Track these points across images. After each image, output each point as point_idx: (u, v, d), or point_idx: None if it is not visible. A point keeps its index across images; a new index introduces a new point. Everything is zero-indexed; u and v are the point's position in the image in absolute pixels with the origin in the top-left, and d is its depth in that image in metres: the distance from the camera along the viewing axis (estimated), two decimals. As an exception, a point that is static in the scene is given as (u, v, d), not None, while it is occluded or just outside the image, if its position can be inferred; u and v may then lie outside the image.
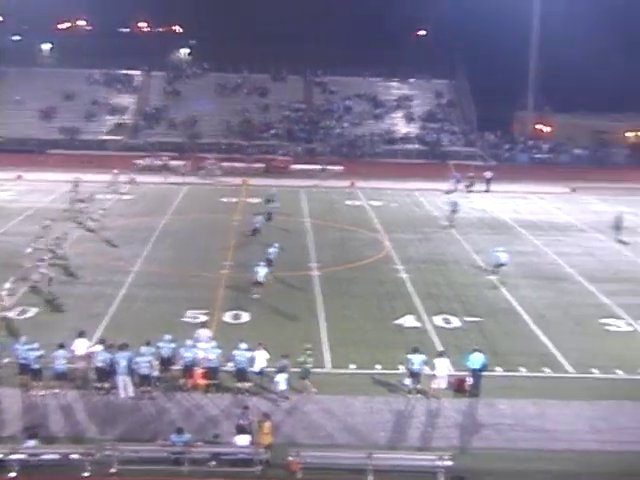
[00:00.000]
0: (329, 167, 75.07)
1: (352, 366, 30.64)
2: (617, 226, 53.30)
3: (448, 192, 67.88)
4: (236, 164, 75.85)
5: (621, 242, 51.85)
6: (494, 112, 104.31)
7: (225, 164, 74.35)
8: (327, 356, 31.51)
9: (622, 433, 25.91)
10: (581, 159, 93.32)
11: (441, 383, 28.32)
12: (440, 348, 31.12)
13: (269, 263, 40.24)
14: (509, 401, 27.98)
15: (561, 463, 24.15)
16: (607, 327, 35.92)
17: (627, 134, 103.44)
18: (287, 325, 34.87)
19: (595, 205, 66.27)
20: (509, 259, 43.24)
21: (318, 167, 75.18)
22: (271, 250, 41.85)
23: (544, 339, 34.17)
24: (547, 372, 30.74)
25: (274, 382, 27.85)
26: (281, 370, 27.94)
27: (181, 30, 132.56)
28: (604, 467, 23.89)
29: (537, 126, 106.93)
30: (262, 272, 38.20)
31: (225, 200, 62.36)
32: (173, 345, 28.99)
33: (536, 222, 58.12)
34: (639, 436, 25.75)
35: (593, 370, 30.94)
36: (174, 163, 74.45)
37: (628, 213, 59.71)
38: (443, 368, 28.45)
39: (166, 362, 28.77)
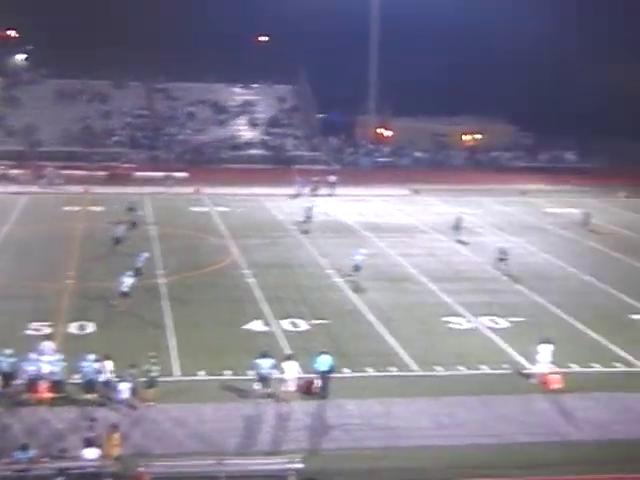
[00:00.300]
0: (174, 174, 74.47)
1: (201, 373, 30.52)
2: (457, 227, 55.01)
3: (294, 197, 68.49)
4: (78, 172, 74.32)
5: (460, 242, 53.50)
6: (337, 116, 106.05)
7: (66, 172, 72.72)
8: (176, 364, 31.29)
9: (464, 427, 26.73)
10: (421, 162, 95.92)
11: (290, 386, 28.55)
12: (288, 351, 31.36)
13: (137, 272, 39.80)
14: (357, 401, 28.43)
15: (407, 460, 24.69)
16: (449, 325, 37.00)
17: (464, 137, 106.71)
18: (134, 334, 34.41)
19: (436, 206, 68.11)
20: (361, 261, 43.93)
21: (162, 174, 74.48)
22: (139, 259, 41.44)
23: (390, 339, 34.90)
24: (393, 371, 31.39)
25: (117, 391, 27.48)
26: (124, 379, 27.60)
27: (17, 35, 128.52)
28: (448, 461, 24.57)
29: (379, 130, 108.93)
30: (128, 282, 37.57)
31: (67, 209, 61.02)
32: (13, 359, 28.16)
33: (380, 224, 59.32)
34: (481, 430, 26.63)
35: (437, 367, 31.81)
36: (14, 172, 72.35)
37: (467, 214, 61.74)
38: (292, 371, 28.68)
39: (7, 377, 27.94)
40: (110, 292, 38.03)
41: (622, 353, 33.61)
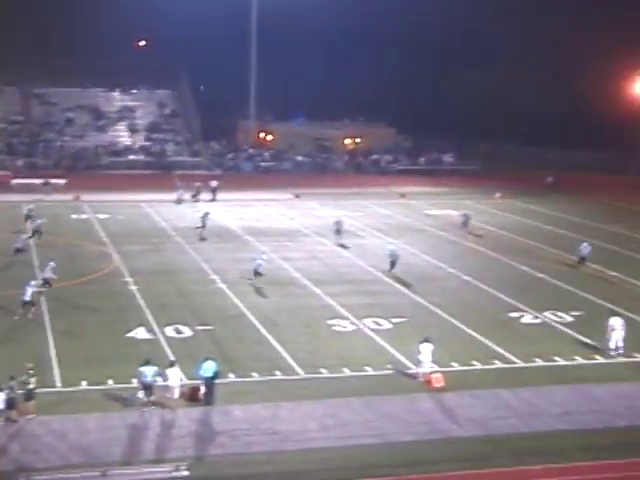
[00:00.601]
0: (52, 181, 72.94)
1: (84, 383, 29.98)
2: (338, 230, 55.52)
3: (178, 202, 68.01)
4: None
5: (342, 246, 53.99)
6: (218, 121, 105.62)
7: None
8: (57, 375, 30.66)
9: (348, 428, 27.00)
10: (303, 166, 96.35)
11: (174, 393, 28.34)
12: (172, 358, 31.11)
13: (45, 282, 39.13)
14: (243, 407, 28.39)
15: (294, 463, 24.81)
16: (334, 328, 37.31)
17: (346, 141, 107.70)
18: (14, 345, 33.56)
19: (317, 210, 68.57)
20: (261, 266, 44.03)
21: (41, 181, 72.86)
22: (46, 268, 40.79)
23: (275, 343, 34.98)
24: (279, 375, 31.47)
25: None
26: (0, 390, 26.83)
27: None
28: (334, 463, 24.79)
29: (260, 134, 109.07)
30: (30, 291, 36.71)
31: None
32: None
33: (262, 229, 59.40)
34: (365, 430, 26.94)
35: (322, 370, 32.04)
36: None
37: (348, 217, 62.40)
38: (175, 378, 28.48)
39: None
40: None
41: (500, 350, 34.50)
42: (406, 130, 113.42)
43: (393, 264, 47.02)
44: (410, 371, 31.79)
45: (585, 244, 50.17)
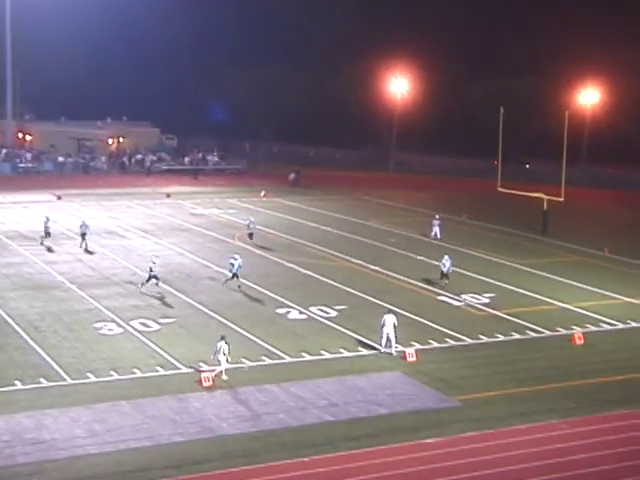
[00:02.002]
0: None
1: None
2: (83, 234, 52.65)
3: None
4: None
5: (88, 252, 51.92)
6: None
7: None
8: None
9: (118, 433, 26.58)
10: (65, 167, 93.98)
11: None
12: None
13: None
14: (4, 417, 27.33)
15: (63, 472, 24.11)
16: (100, 331, 36.61)
17: (109, 140, 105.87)
18: None
19: (81, 211, 66.99)
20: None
21: None
22: None
23: (39, 349, 33.94)
24: (44, 382, 30.54)
25: None
26: None
27: None
28: (103, 469, 24.30)
29: (19, 135, 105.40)
30: None
31: None
32: None
33: (23, 232, 57.37)
34: (135, 434, 26.58)
35: (89, 375, 31.37)
36: None
37: (112, 218, 61.44)
38: None
39: None
40: None
41: (269, 347, 35.03)
42: (170, 130, 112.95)
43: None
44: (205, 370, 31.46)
45: (446, 257, 46.21)
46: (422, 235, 60.16)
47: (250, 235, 56.18)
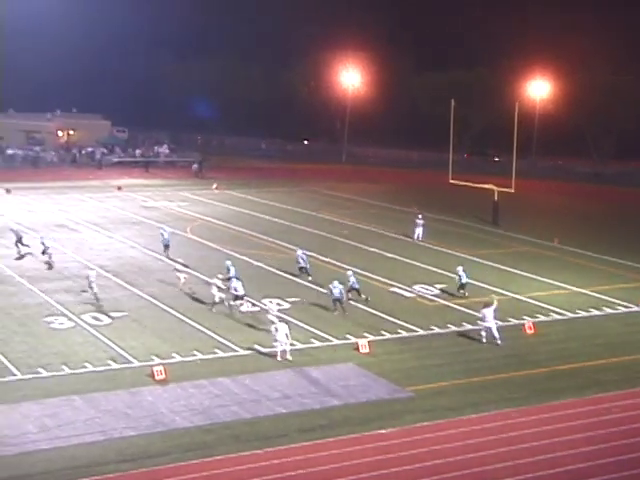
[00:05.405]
0: None
1: None
2: (19, 240, 49.31)
3: None
4: None
5: (22, 256, 49.00)
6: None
7: None
8: None
9: (70, 427, 26.34)
10: (15, 159, 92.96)
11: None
12: None
13: None
14: (-46, 413, 27.05)
15: (13, 468, 23.85)
16: (51, 325, 36.28)
17: (59, 133, 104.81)
18: None
19: (31, 205, 66.28)
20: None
21: None
22: None
23: (-12, 345, 33.58)
24: (-7, 378, 30.25)
25: None
26: None
27: None
28: (56, 464, 24.09)
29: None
30: None
31: None
32: None
33: (-29, 226, 56.60)
34: (87, 428, 26.34)
35: (40, 370, 31.05)
36: None
37: (62, 211, 60.87)
38: None
39: None
40: None
41: (221, 339, 34.95)
42: (121, 122, 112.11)
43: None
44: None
45: (460, 268, 43.30)
46: (404, 235, 57.68)
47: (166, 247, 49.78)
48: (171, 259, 47.71)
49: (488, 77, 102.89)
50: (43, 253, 46.79)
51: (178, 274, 42.69)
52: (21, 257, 48.36)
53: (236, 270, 41.81)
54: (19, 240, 49.19)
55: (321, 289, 41.42)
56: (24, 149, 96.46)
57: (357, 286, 40.77)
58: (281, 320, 34.58)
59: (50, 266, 45.72)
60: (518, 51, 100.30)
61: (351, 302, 39.80)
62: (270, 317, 35.35)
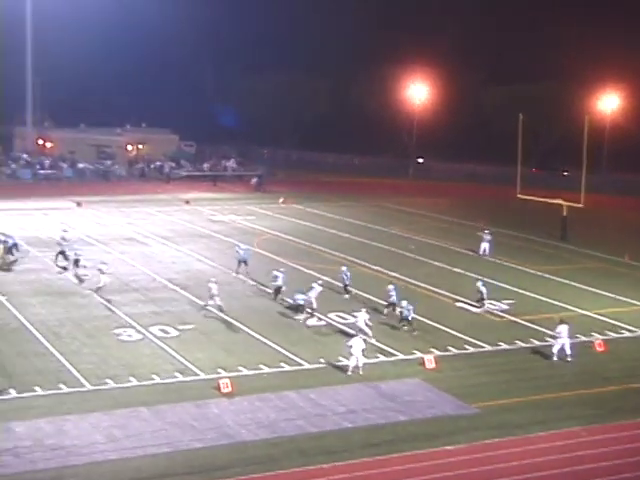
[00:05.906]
0: None
1: None
2: (62, 252, 50.06)
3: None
4: None
5: (64, 268, 50.13)
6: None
7: None
8: None
9: (137, 439, 26.64)
10: (85, 173, 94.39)
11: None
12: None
13: None
14: (25, 423, 27.44)
15: (82, 477, 24.23)
16: (120, 337, 36.73)
17: (128, 147, 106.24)
18: None
19: (101, 218, 67.23)
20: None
21: None
22: None
23: (58, 355, 34.07)
24: (64, 388, 30.66)
25: None
26: None
27: None
28: (123, 475, 24.41)
29: (39, 142, 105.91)
30: None
31: None
32: None
33: (43, 239, 57.54)
34: (154, 440, 26.64)
35: (108, 381, 31.47)
36: None
37: (132, 225, 61.64)
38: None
39: None
40: None
41: (287, 353, 35.05)
42: (189, 136, 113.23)
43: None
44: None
45: (480, 283, 43.15)
46: (468, 249, 57.28)
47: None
48: (238, 273, 47.85)
49: (557, 91, 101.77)
50: (76, 265, 47.25)
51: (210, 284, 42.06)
52: (64, 269, 48.51)
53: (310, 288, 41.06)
54: (61, 253, 49.59)
55: (384, 312, 40.92)
56: (94, 163, 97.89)
57: (395, 300, 40.26)
58: (357, 334, 34.72)
59: (80, 280, 46.00)
60: (588, 64, 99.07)
61: (417, 318, 39.53)
62: (359, 324, 36.43)
